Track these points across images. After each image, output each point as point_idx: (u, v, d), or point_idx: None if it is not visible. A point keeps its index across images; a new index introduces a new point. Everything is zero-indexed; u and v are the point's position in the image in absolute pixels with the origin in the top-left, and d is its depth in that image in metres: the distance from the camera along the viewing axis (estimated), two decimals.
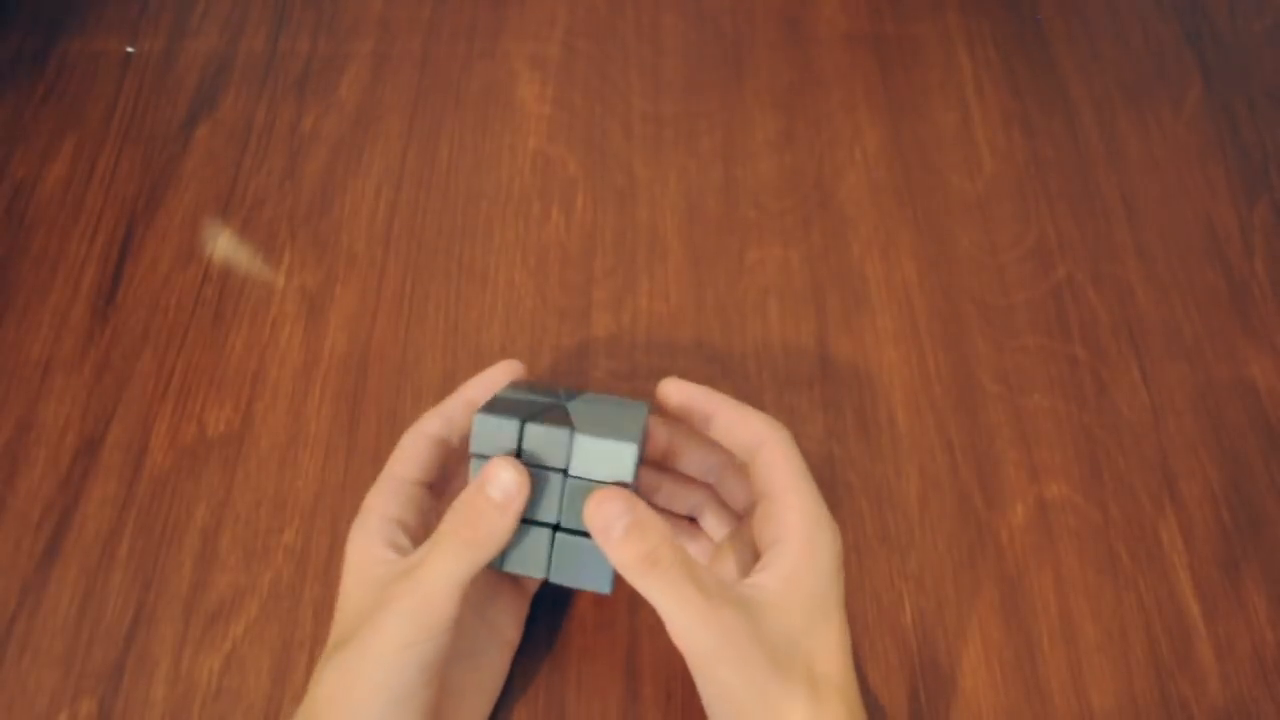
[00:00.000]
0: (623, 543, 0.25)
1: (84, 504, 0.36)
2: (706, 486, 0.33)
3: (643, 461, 0.33)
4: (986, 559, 0.35)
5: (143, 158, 0.44)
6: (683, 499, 0.34)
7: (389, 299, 0.40)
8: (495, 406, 0.28)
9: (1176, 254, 0.42)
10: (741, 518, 0.32)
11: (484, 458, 0.27)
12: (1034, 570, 0.35)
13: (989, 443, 0.37)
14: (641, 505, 0.26)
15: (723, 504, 0.33)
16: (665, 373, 0.37)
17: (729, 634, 0.25)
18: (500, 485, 0.26)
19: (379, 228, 0.42)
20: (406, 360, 0.39)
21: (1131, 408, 0.38)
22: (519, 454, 0.27)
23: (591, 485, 0.27)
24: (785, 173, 0.44)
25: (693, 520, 0.34)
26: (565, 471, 0.27)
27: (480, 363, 0.39)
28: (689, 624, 0.25)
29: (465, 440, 0.31)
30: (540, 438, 0.27)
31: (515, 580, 0.32)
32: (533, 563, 0.28)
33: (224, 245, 0.42)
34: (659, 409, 0.32)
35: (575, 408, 0.29)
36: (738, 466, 0.32)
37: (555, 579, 0.28)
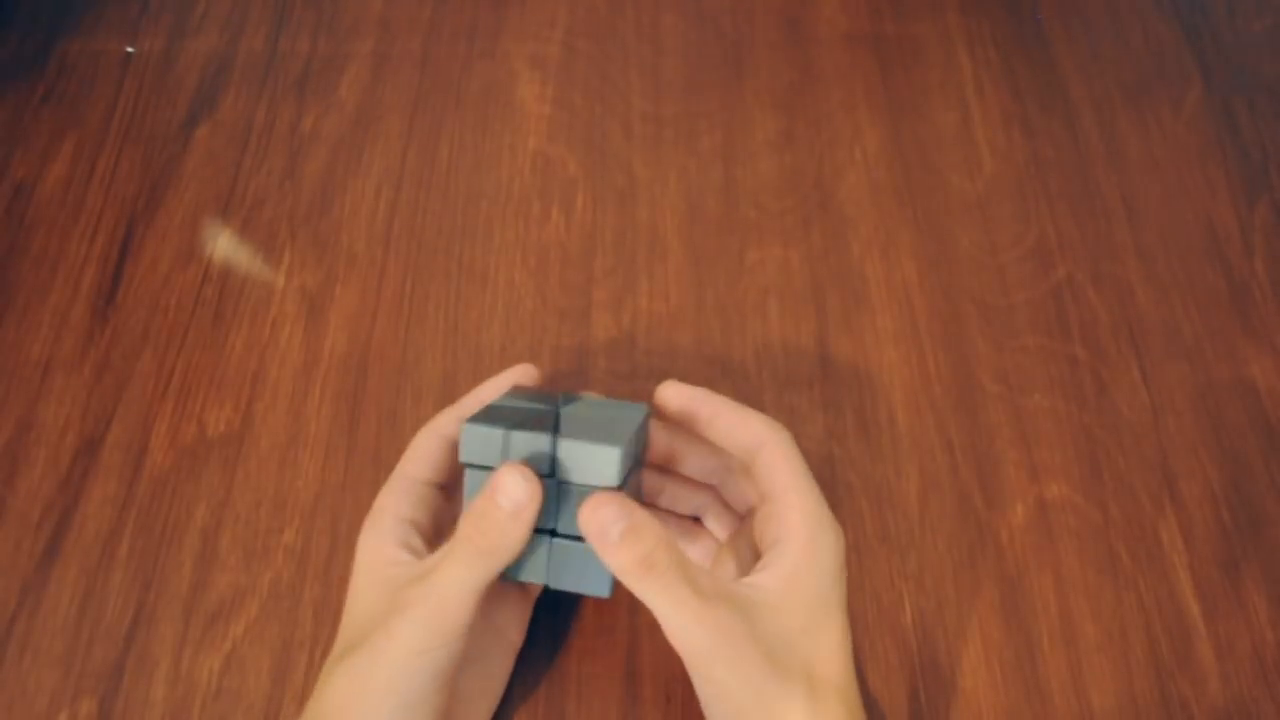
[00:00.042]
0: (619, 547, 0.25)
1: (84, 504, 0.36)
2: (710, 488, 0.33)
3: (644, 464, 0.33)
4: (986, 559, 0.35)
5: (143, 158, 0.44)
6: (686, 500, 0.34)
7: (389, 299, 0.40)
8: (484, 415, 0.28)
9: (1176, 254, 0.42)
10: (744, 519, 0.32)
11: (475, 467, 0.27)
12: (1034, 570, 0.35)
13: (989, 443, 0.37)
14: (637, 509, 0.25)
15: (726, 505, 0.33)
16: (665, 373, 0.37)
17: (724, 633, 0.25)
18: (509, 494, 0.26)
19: (379, 228, 0.42)
20: (406, 360, 0.39)
21: (1131, 408, 0.38)
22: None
23: (586, 490, 0.27)
24: (785, 173, 0.44)
25: (697, 520, 0.34)
26: (554, 477, 0.27)
27: (480, 363, 0.39)
28: (684, 624, 0.25)
29: None
30: (526, 445, 0.27)
31: (520, 583, 0.32)
32: (532, 569, 0.28)
33: (224, 245, 0.42)
34: (658, 414, 0.32)
35: (568, 413, 0.29)
36: (740, 468, 0.32)
37: (555, 585, 0.28)
